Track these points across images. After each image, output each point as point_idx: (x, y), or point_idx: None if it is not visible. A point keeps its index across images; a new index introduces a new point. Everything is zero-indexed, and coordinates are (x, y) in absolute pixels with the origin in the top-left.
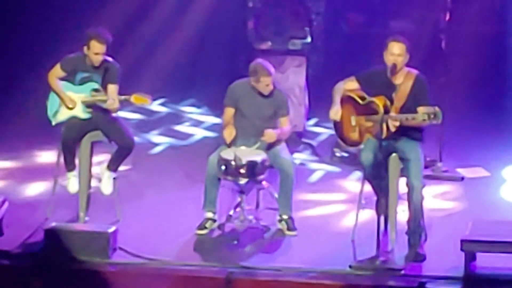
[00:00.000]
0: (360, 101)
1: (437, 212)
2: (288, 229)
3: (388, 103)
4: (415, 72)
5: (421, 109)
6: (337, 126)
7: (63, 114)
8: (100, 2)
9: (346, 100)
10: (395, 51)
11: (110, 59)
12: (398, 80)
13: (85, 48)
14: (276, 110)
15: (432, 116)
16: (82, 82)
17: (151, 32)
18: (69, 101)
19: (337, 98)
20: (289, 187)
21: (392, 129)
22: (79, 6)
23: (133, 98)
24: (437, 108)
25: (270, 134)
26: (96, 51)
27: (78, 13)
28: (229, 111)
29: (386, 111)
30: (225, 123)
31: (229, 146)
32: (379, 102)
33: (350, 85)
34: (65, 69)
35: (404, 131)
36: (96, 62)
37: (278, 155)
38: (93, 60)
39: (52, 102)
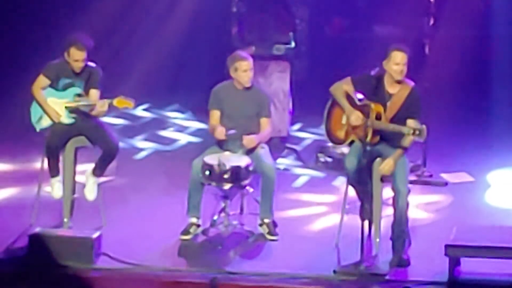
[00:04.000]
0: (357, 101)
1: (421, 217)
2: (269, 233)
3: (382, 111)
4: (411, 84)
5: (410, 122)
6: (328, 121)
7: (47, 120)
8: (85, 8)
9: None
10: (400, 60)
11: (92, 64)
12: (393, 89)
13: (65, 54)
14: (259, 110)
15: (417, 132)
16: (65, 87)
17: (136, 37)
18: (54, 114)
19: (345, 102)
20: (271, 191)
21: (375, 140)
22: (63, 11)
23: (116, 102)
24: (423, 126)
25: (249, 140)
26: (76, 58)
27: (62, 18)
28: (215, 114)
29: (378, 118)
30: (212, 127)
31: (222, 142)
32: (374, 107)
33: (345, 87)
34: (48, 76)
35: (389, 140)
36: (76, 69)
37: (260, 159)
38: (73, 66)
39: (36, 108)
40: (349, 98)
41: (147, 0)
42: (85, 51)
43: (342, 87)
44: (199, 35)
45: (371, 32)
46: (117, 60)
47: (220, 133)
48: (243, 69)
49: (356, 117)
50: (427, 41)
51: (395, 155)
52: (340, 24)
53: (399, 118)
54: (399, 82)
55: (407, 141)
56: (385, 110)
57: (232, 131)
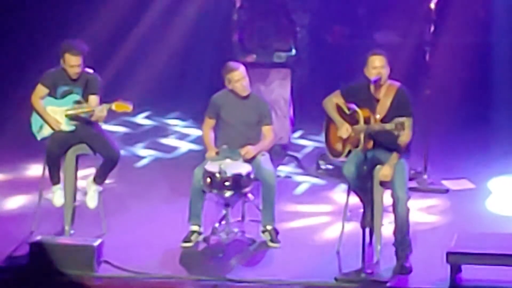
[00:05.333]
0: (346, 111)
1: (423, 225)
2: (272, 240)
3: (370, 114)
4: (397, 84)
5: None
6: (326, 137)
7: (48, 129)
8: (86, 17)
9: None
10: (378, 64)
11: (90, 71)
12: (379, 94)
13: (61, 61)
14: (260, 118)
15: (399, 126)
16: (64, 95)
17: (137, 45)
18: (54, 122)
19: (336, 115)
20: (272, 197)
21: (369, 145)
22: (63, 20)
23: (114, 106)
24: (402, 119)
25: (248, 151)
26: (71, 63)
27: (63, 27)
28: (208, 122)
29: (367, 122)
30: (204, 135)
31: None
32: (361, 113)
33: (336, 99)
34: (46, 85)
35: (386, 145)
36: (73, 75)
37: (260, 166)
38: (70, 72)
39: (36, 118)
40: (339, 110)
41: (147, 9)
42: (80, 56)
43: (332, 101)
44: (200, 42)
45: (372, 39)
46: (118, 68)
47: (210, 154)
48: (235, 79)
49: (344, 130)
50: (427, 48)
51: (391, 160)
52: (340, 31)
53: (389, 119)
54: (380, 85)
55: (400, 140)
56: (373, 114)
57: (224, 146)
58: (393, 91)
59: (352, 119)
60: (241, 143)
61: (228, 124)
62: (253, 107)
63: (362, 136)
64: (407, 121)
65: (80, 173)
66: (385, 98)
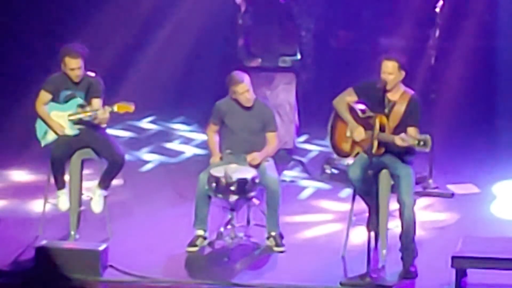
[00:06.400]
0: (360, 114)
1: (428, 229)
2: (276, 245)
3: (386, 121)
4: (410, 92)
5: (411, 130)
6: (332, 134)
7: (52, 135)
8: (90, 22)
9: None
10: (386, 69)
11: (92, 74)
12: (393, 97)
13: (62, 66)
14: (264, 125)
15: (422, 143)
16: (67, 100)
17: (142, 50)
18: (58, 127)
19: (349, 116)
20: (276, 204)
21: (380, 152)
22: (68, 25)
23: (116, 107)
24: (428, 136)
25: (254, 157)
26: (71, 66)
27: (67, 32)
28: (212, 128)
29: (382, 130)
30: (208, 140)
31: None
32: (377, 119)
33: (348, 98)
34: (49, 90)
35: (394, 151)
36: (75, 78)
37: (264, 172)
38: (71, 76)
39: (40, 124)
40: (352, 111)
41: (153, 13)
42: (80, 59)
43: (345, 100)
44: (205, 47)
45: (377, 43)
46: (123, 73)
47: (214, 160)
48: (240, 92)
49: (358, 133)
50: (433, 52)
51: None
52: (345, 36)
53: (402, 128)
54: (389, 90)
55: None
56: (387, 119)
57: (228, 151)
58: (407, 100)
59: (365, 123)
60: (246, 150)
61: (233, 131)
62: (257, 114)
63: (375, 142)
64: (413, 131)
65: (85, 176)
66: (398, 106)
